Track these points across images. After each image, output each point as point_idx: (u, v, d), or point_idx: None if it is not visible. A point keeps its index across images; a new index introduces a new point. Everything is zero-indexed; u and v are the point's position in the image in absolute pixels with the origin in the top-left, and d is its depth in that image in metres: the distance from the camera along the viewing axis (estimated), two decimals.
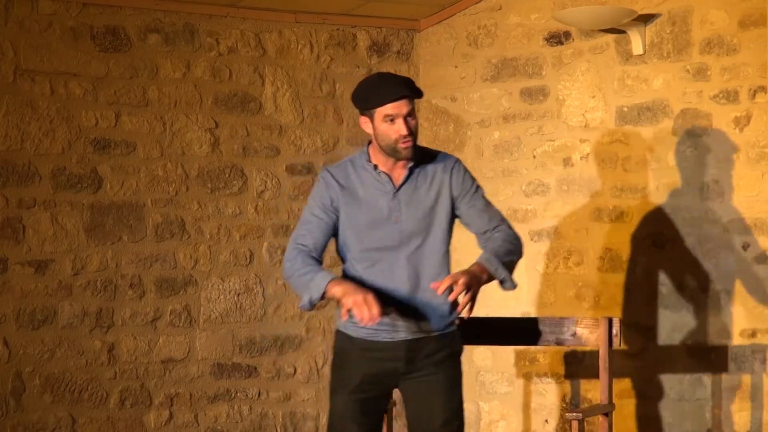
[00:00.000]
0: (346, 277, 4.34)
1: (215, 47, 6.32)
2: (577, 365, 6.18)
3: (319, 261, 4.33)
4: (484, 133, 6.56)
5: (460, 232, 4.47)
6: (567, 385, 6.22)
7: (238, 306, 6.35)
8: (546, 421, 6.30)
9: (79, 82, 6.00)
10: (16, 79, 5.87)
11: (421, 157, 4.37)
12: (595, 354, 5.78)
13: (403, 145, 4.26)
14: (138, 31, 6.13)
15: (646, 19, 5.93)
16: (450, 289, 4.16)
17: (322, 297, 4.21)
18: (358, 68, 6.67)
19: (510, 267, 4.36)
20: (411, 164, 4.34)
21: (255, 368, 6.37)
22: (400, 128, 4.24)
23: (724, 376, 5.73)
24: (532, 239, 6.27)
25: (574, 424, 4.93)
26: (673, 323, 5.88)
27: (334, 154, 6.60)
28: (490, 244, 4.38)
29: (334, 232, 4.39)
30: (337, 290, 4.17)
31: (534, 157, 6.38)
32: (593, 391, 6.10)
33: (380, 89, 4.25)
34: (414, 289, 4.32)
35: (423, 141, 6.26)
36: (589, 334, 5.19)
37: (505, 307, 6.00)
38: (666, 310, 5.90)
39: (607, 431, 5.16)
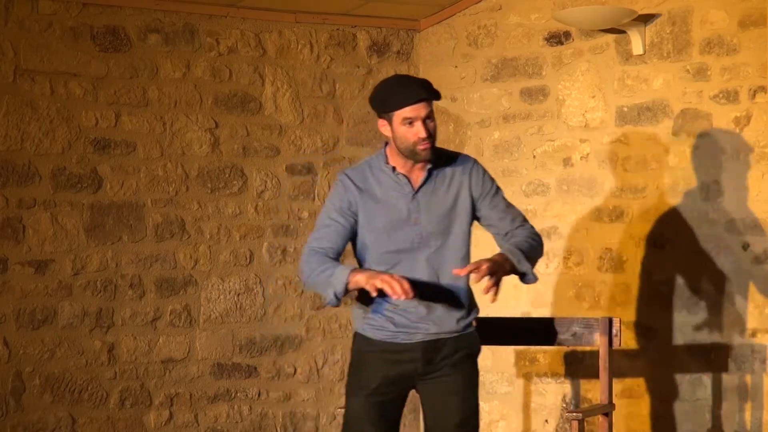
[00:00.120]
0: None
1: (215, 47, 6.32)
2: (577, 365, 6.18)
3: (337, 261, 4.32)
4: (484, 133, 6.55)
5: (477, 230, 4.46)
6: (567, 385, 6.22)
7: (238, 306, 6.35)
8: (546, 421, 6.30)
9: (79, 82, 6.00)
10: (16, 79, 5.87)
11: (440, 158, 4.35)
12: (595, 354, 5.78)
13: (422, 148, 4.24)
14: (138, 31, 6.13)
15: (646, 19, 5.93)
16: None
17: (346, 289, 4.20)
18: (358, 68, 6.67)
19: (532, 262, 4.36)
20: (429, 166, 4.33)
21: (255, 368, 6.37)
22: (419, 131, 4.23)
23: (724, 376, 5.73)
24: None
25: (574, 424, 4.93)
26: (673, 323, 5.87)
27: (334, 154, 6.61)
28: (513, 239, 4.39)
29: (352, 236, 4.37)
30: (359, 278, 4.16)
31: (534, 157, 6.38)
32: (593, 391, 6.10)
33: (398, 92, 4.23)
34: (433, 290, 4.30)
35: None
36: (589, 334, 5.20)
37: (505, 307, 6.00)
38: (666, 310, 5.90)
39: (607, 431, 5.16)
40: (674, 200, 5.88)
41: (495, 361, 6.41)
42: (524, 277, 4.37)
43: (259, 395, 6.38)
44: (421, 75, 6.71)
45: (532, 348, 6.29)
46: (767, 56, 5.60)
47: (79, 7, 6.00)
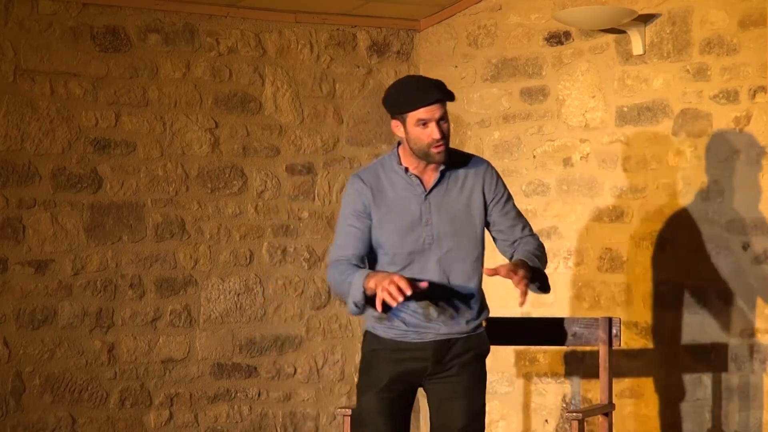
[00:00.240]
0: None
1: (215, 47, 6.32)
2: (577, 365, 6.18)
3: (361, 266, 4.31)
4: (484, 133, 6.56)
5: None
6: (567, 385, 6.22)
7: (238, 306, 6.35)
8: (546, 421, 6.30)
9: (79, 82, 6.00)
10: (16, 79, 5.87)
11: (453, 159, 4.34)
12: (595, 354, 5.78)
13: (435, 150, 4.23)
14: (138, 31, 6.13)
15: (646, 19, 5.93)
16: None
17: (366, 297, 4.19)
18: (358, 68, 6.67)
19: (539, 274, 4.37)
20: (442, 167, 4.32)
21: (255, 368, 6.37)
22: (433, 132, 4.21)
23: (724, 376, 5.73)
24: None
25: (574, 424, 4.93)
26: (673, 323, 5.87)
27: (334, 154, 6.61)
28: (525, 247, 4.39)
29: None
30: (371, 284, 4.16)
31: (534, 157, 6.38)
32: (593, 391, 6.10)
33: (413, 93, 4.21)
34: (443, 291, 4.30)
35: None
36: (589, 334, 5.19)
37: (504, 307, 5.99)
38: (666, 310, 5.90)
39: (607, 431, 5.16)
40: (674, 200, 5.88)
41: (495, 361, 6.40)
42: (541, 287, 4.38)
43: (259, 395, 6.38)
44: (421, 75, 6.72)
45: (532, 348, 6.29)
46: (767, 56, 5.60)
47: (79, 7, 6.00)
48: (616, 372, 5.68)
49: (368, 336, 4.43)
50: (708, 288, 5.77)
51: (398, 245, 4.30)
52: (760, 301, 5.63)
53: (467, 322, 4.36)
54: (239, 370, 6.34)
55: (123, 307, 6.07)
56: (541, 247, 4.44)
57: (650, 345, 5.94)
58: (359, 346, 6.59)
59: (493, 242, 4.49)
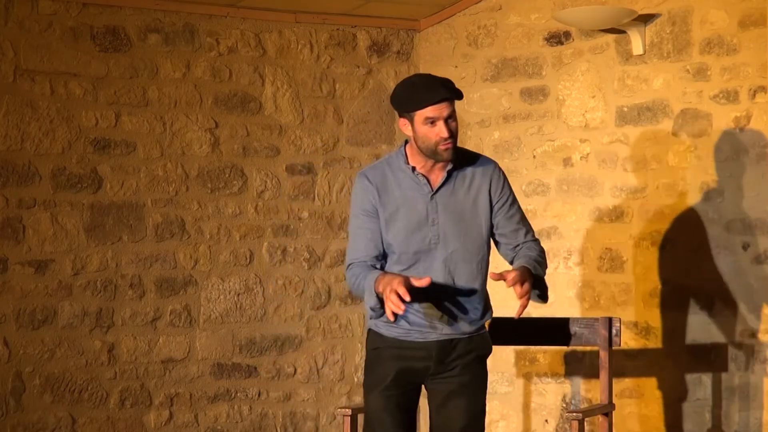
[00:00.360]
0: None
1: (215, 47, 6.32)
2: (577, 365, 6.18)
3: (376, 266, 4.30)
4: (484, 133, 6.55)
5: None
6: (567, 385, 6.22)
7: (238, 306, 6.35)
8: (546, 421, 6.30)
9: (79, 82, 6.00)
10: (16, 79, 5.87)
11: (460, 159, 4.33)
12: (595, 354, 5.78)
13: (443, 148, 4.22)
14: (138, 31, 6.13)
15: (646, 19, 5.93)
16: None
17: (381, 300, 4.18)
18: (358, 68, 6.67)
19: (539, 283, 4.38)
20: (449, 166, 4.31)
21: (255, 368, 6.37)
22: (441, 131, 4.20)
23: (724, 376, 5.73)
24: None
25: (574, 424, 4.93)
26: (673, 323, 5.87)
27: (334, 154, 6.60)
28: (528, 252, 4.38)
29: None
30: (380, 289, 4.16)
31: (534, 157, 6.38)
32: (593, 391, 6.10)
33: (420, 91, 4.20)
34: (448, 291, 4.29)
35: None
36: (589, 334, 5.20)
37: (504, 307, 5.99)
38: (666, 310, 5.90)
39: (607, 431, 5.16)
40: (674, 200, 5.88)
41: (495, 361, 6.40)
42: (540, 296, 4.38)
43: (259, 395, 6.38)
44: None
45: (532, 348, 6.29)
46: (767, 56, 5.60)
47: (79, 7, 6.00)
48: (616, 372, 5.68)
49: (371, 334, 4.43)
50: (708, 288, 5.77)
51: (404, 244, 4.30)
52: (760, 301, 5.63)
53: (471, 322, 4.36)
54: (239, 370, 6.34)
55: (123, 307, 6.07)
56: (542, 253, 4.43)
57: (650, 345, 5.94)
58: (359, 346, 6.62)
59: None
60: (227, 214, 6.33)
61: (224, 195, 6.32)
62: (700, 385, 5.79)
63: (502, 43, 6.49)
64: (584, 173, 6.20)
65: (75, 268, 5.96)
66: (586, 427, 5.11)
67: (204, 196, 6.28)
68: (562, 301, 6.21)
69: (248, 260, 6.38)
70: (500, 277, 4.14)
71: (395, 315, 4.22)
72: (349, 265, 4.35)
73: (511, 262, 4.40)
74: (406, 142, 4.35)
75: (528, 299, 4.21)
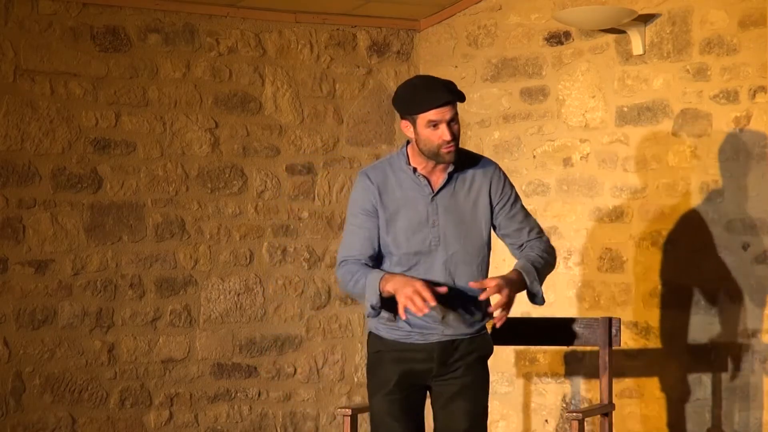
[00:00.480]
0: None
1: (215, 47, 6.32)
2: (577, 365, 6.18)
3: (370, 265, 4.29)
4: (484, 133, 6.55)
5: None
6: (567, 385, 6.22)
7: (238, 306, 6.34)
8: (546, 421, 6.30)
9: (79, 82, 6.00)
10: (16, 79, 5.87)
11: (461, 161, 4.32)
12: (595, 354, 5.78)
13: (446, 150, 4.22)
14: (138, 31, 6.13)
15: (646, 19, 5.93)
16: (480, 294, 4.19)
17: (382, 299, 4.18)
18: (358, 68, 6.67)
19: (542, 281, 4.38)
20: (450, 168, 4.30)
21: (255, 368, 6.37)
22: (443, 134, 4.19)
23: (724, 376, 5.73)
24: None
25: (574, 424, 4.93)
26: (673, 323, 5.87)
27: (334, 154, 6.60)
28: (529, 252, 4.38)
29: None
30: (389, 288, 4.15)
31: (534, 157, 6.38)
32: (593, 391, 6.10)
33: (423, 94, 4.19)
34: (448, 293, 4.26)
35: None
36: (589, 334, 5.20)
37: None
38: (666, 310, 5.90)
39: (607, 431, 5.16)
40: (674, 200, 5.88)
41: (495, 361, 6.38)
42: (534, 298, 4.38)
43: (259, 395, 6.38)
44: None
45: (532, 348, 6.29)
46: (767, 56, 5.60)
47: (79, 7, 6.00)
48: (616, 372, 5.68)
49: (372, 337, 4.42)
50: (708, 288, 5.77)
51: (404, 246, 4.29)
52: (760, 301, 5.63)
53: (471, 324, 4.36)
54: (239, 370, 6.34)
55: (123, 307, 6.07)
56: (547, 249, 4.42)
57: (650, 345, 5.94)
58: (359, 346, 6.62)
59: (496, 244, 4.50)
60: (227, 214, 6.33)
61: (224, 195, 6.32)
62: (700, 385, 5.79)
63: (502, 43, 6.49)
64: (584, 173, 6.20)
65: (75, 268, 5.96)
66: (586, 427, 5.11)
67: (204, 196, 6.28)
68: (562, 301, 6.21)
69: (248, 260, 6.38)
70: (481, 285, 4.16)
71: (396, 316, 4.23)
72: (342, 261, 4.33)
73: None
74: (408, 142, 4.34)
75: (505, 315, 4.21)
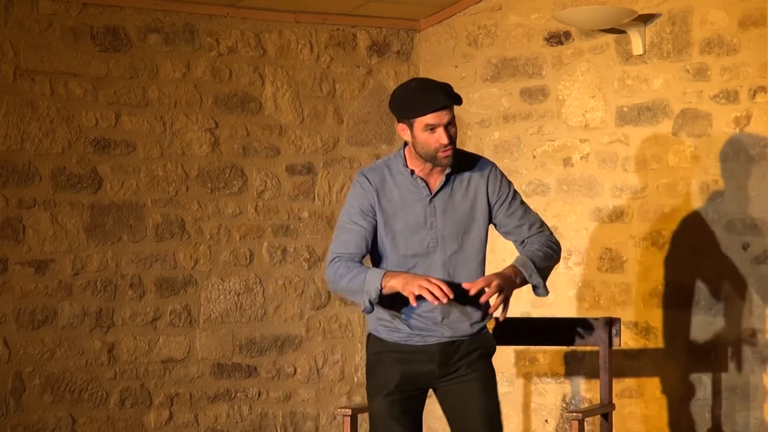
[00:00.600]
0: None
1: (215, 47, 6.32)
2: (577, 365, 6.18)
3: (362, 264, 4.28)
4: (484, 133, 6.56)
5: (492, 233, 4.46)
6: (567, 385, 6.22)
7: (238, 306, 6.35)
8: (546, 421, 6.30)
9: (79, 82, 6.00)
10: (16, 79, 5.87)
11: (459, 161, 4.31)
12: (595, 354, 5.78)
13: (443, 154, 4.21)
14: (138, 31, 6.13)
15: (646, 19, 5.93)
16: (483, 292, 4.17)
17: (381, 295, 4.18)
18: (358, 68, 6.67)
19: (545, 273, 4.36)
20: (448, 170, 4.29)
21: (255, 368, 6.37)
22: (441, 137, 4.18)
23: (724, 376, 5.73)
24: None
25: (574, 424, 4.93)
26: (673, 323, 5.88)
27: (334, 154, 6.61)
28: (528, 247, 4.38)
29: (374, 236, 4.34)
30: (395, 283, 4.14)
31: (534, 157, 6.38)
32: (593, 391, 6.10)
33: (420, 98, 4.18)
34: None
35: None
36: (589, 334, 5.20)
37: None
38: (666, 310, 5.90)
39: (607, 431, 5.16)
40: (674, 200, 5.88)
41: (495, 361, 6.38)
42: (536, 290, 4.37)
43: (259, 395, 6.38)
44: (421, 75, 6.72)
45: (532, 348, 6.29)
46: (767, 56, 5.60)
47: (79, 7, 6.00)
48: (616, 372, 5.68)
49: (372, 339, 4.41)
50: (708, 288, 5.77)
51: (402, 248, 4.29)
52: (760, 301, 5.63)
53: (471, 324, 4.36)
54: (239, 370, 6.34)
55: (123, 307, 6.07)
56: (548, 242, 4.40)
57: (650, 345, 5.94)
58: (359, 346, 6.62)
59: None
60: (227, 214, 6.33)
61: (224, 195, 6.33)
62: (700, 385, 5.79)
63: (502, 43, 6.49)
64: (584, 173, 6.20)
65: (75, 268, 5.96)
66: (586, 427, 5.11)
67: (204, 196, 6.28)
68: (562, 301, 6.21)
69: (248, 260, 6.38)
70: (471, 288, 4.16)
71: (397, 318, 4.23)
72: (335, 258, 4.30)
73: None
74: (405, 144, 4.34)
75: (505, 308, 4.22)
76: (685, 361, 5.83)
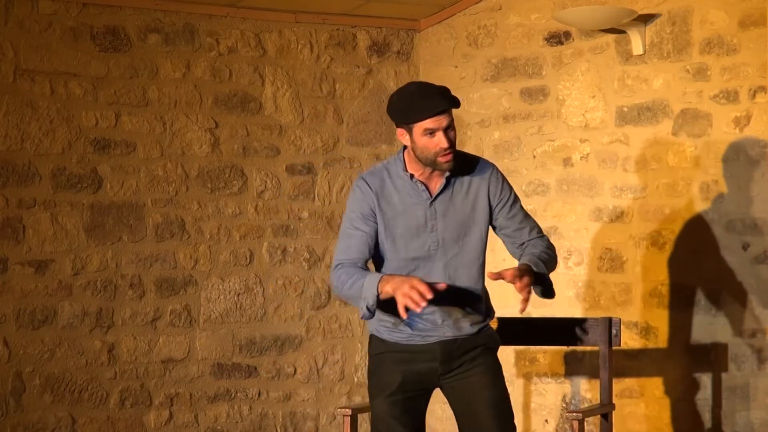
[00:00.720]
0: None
1: (215, 47, 6.32)
2: (577, 365, 6.18)
3: (366, 269, 4.27)
4: (484, 133, 6.56)
5: (491, 236, 4.46)
6: (567, 385, 6.22)
7: (238, 306, 6.35)
8: (546, 421, 6.30)
9: (79, 82, 6.00)
10: (16, 79, 5.87)
11: (459, 163, 4.30)
12: (595, 354, 5.78)
13: (443, 159, 4.20)
14: (138, 31, 6.13)
15: (646, 19, 5.93)
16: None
17: (379, 300, 4.16)
18: (358, 68, 6.67)
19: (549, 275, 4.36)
20: (448, 173, 4.29)
21: (255, 368, 6.37)
22: (440, 142, 4.17)
23: (724, 376, 5.73)
24: None
25: (574, 424, 4.93)
26: (673, 323, 5.87)
27: (334, 154, 6.61)
28: (532, 249, 4.37)
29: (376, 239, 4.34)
30: (388, 288, 4.12)
31: (534, 157, 6.38)
32: (593, 391, 6.10)
33: (419, 103, 4.17)
34: (449, 297, 4.25)
35: None
36: (589, 334, 5.20)
37: (505, 307, 5.99)
38: (666, 310, 5.90)
39: (607, 431, 5.16)
40: (674, 200, 5.88)
41: None
42: (545, 293, 4.37)
43: (259, 395, 6.38)
44: (421, 75, 6.72)
45: (532, 348, 6.29)
46: (767, 56, 5.60)
47: (79, 7, 6.00)
48: (616, 372, 5.68)
49: (373, 339, 4.41)
50: (708, 288, 5.77)
51: (403, 251, 4.29)
52: (760, 301, 5.63)
53: (472, 325, 4.36)
54: (239, 370, 6.34)
55: (123, 307, 6.07)
56: (549, 248, 4.41)
57: (650, 345, 5.94)
58: (359, 346, 6.62)
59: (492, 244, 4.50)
60: (227, 214, 6.33)
61: (224, 195, 6.33)
62: (700, 385, 5.79)
63: (502, 43, 6.49)
64: (584, 173, 6.20)
65: (75, 268, 5.96)
66: (586, 427, 5.11)
67: (204, 196, 6.28)
68: (562, 301, 6.20)
69: (248, 260, 6.38)
70: (498, 276, 4.14)
71: (398, 319, 4.22)
72: (339, 264, 4.30)
73: (519, 260, 4.40)
74: (404, 147, 4.33)
75: (529, 292, 4.19)
76: (685, 361, 5.84)
